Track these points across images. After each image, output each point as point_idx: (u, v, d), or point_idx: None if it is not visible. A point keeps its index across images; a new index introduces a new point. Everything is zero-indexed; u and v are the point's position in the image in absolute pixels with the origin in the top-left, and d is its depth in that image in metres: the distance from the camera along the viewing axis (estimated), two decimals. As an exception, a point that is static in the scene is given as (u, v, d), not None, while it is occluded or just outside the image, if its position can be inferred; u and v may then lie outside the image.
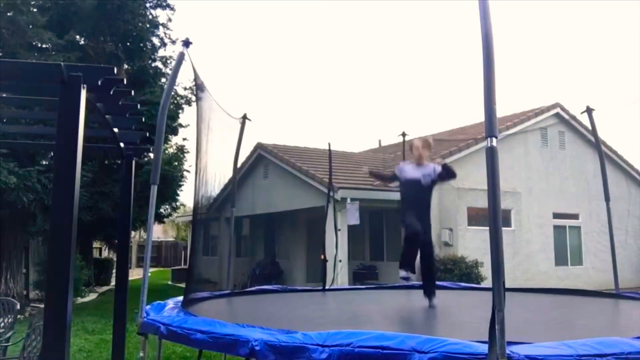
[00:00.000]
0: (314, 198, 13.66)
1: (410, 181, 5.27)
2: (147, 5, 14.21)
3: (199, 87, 5.27)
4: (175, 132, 14.65)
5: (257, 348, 3.00)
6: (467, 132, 17.10)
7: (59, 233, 2.65)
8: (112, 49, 13.21)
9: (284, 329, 3.15)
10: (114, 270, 10.07)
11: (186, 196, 20.60)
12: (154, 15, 14.46)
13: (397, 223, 14.24)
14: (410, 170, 5.33)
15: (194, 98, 13.35)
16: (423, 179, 5.22)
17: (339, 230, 10.98)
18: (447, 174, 5.34)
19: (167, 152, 14.58)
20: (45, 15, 11.86)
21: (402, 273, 5.19)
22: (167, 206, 16.81)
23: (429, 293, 5.20)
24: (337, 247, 9.46)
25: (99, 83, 2.96)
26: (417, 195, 5.28)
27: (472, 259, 12.90)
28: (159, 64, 14.83)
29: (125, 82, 3.75)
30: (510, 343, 2.47)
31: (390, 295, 6.90)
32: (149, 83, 13.81)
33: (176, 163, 14.72)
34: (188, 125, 14.89)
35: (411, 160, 5.44)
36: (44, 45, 12.08)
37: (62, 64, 2.74)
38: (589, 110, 7.08)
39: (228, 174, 8.01)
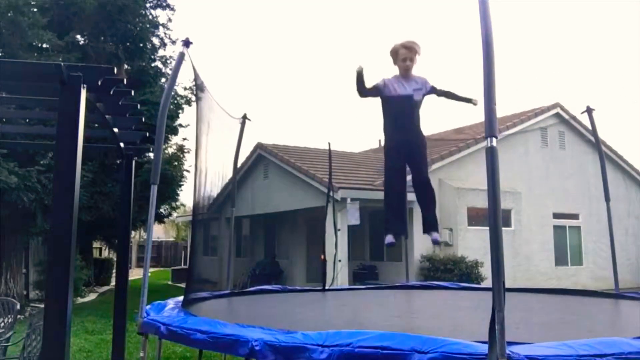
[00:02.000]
0: (314, 198, 13.66)
1: (400, 98, 4.26)
2: (147, 5, 14.20)
3: (199, 87, 5.27)
4: (175, 132, 14.65)
5: (256, 348, 3.00)
6: (467, 132, 17.11)
7: (59, 233, 2.65)
8: (112, 49, 13.20)
9: (284, 329, 3.15)
10: (114, 270, 10.08)
11: (186, 196, 20.63)
12: (154, 16, 14.46)
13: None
14: (397, 85, 4.30)
15: (194, 98, 13.34)
16: (415, 95, 4.28)
17: (339, 230, 10.99)
18: (444, 94, 4.46)
19: (167, 152, 14.58)
20: (46, 16, 11.86)
21: (389, 238, 4.28)
22: (167, 206, 16.80)
23: (430, 226, 4.42)
24: (336, 247, 9.46)
25: (99, 83, 2.96)
26: (408, 117, 4.31)
27: (472, 259, 12.90)
28: (159, 64, 14.83)
29: (125, 82, 3.75)
30: (510, 343, 2.47)
31: (390, 295, 6.89)
32: (149, 83, 13.81)
33: (176, 163, 14.71)
34: (188, 125, 14.91)
35: (398, 74, 4.35)
36: (44, 46, 12.07)
37: (62, 64, 2.74)
38: (589, 110, 7.07)
39: (228, 174, 8.00)
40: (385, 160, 4.41)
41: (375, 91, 4.35)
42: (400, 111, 4.30)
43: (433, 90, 4.38)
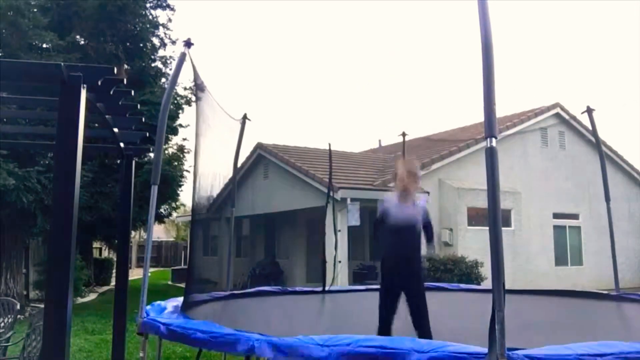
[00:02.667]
0: (314, 198, 13.66)
1: (399, 223, 4.09)
2: (147, 5, 14.21)
3: (199, 87, 5.27)
4: (175, 132, 14.65)
5: (256, 346, 3.00)
6: (467, 132, 17.11)
7: (59, 233, 2.65)
8: (112, 49, 13.21)
9: (284, 329, 3.15)
10: (114, 270, 10.07)
11: (186, 196, 20.60)
12: (154, 16, 14.47)
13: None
14: (396, 208, 4.17)
15: (194, 98, 13.34)
16: (414, 219, 4.13)
17: (339, 230, 10.99)
18: (428, 231, 4.28)
19: (167, 152, 14.58)
20: (47, 16, 11.86)
21: None
22: (167, 206, 16.81)
23: None
24: (336, 248, 9.46)
25: (99, 83, 2.96)
26: (409, 240, 4.10)
27: (472, 259, 12.89)
28: (159, 64, 14.84)
29: (125, 82, 3.75)
30: (510, 349, 2.47)
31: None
32: (149, 83, 13.81)
33: (176, 163, 14.71)
34: (188, 125, 14.90)
35: (396, 192, 4.27)
36: (44, 46, 12.08)
37: (62, 64, 2.74)
38: (589, 110, 7.08)
39: (228, 174, 8.01)
40: (380, 285, 4.30)
41: (381, 219, 4.26)
42: (399, 232, 4.11)
43: (424, 215, 4.24)
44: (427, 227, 4.27)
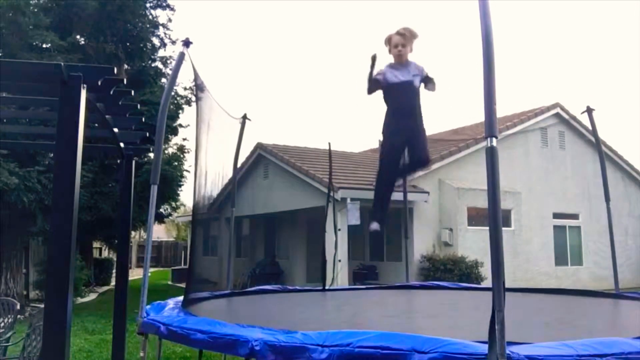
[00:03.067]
0: (314, 198, 13.66)
1: (401, 85, 4.20)
2: (147, 5, 14.21)
3: (199, 87, 5.27)
4: (175, 132, 14.66)
5: (257, 348, 3.00)
6: (467, 132, 17.11)
7: (59, 233, 2.65)
8: (112, 49, 13.21)
9: (284, 329, 3.15)
10: (114, 270, 10.08)
11: (186, 196, 20.61)
12: (154, 16, 14.48)
13: (397, 223, 14.24)
14: (396, 72, 4.26)
15: (194, 98, 13.32)
16: (414, 80, 4.24)
17: (339, 230, 10.98)
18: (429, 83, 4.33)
19: (167, 152, 14.58)
20: (48, 17, 11.86)
21: (374, 225, 4.32)
22: (167, 206, 16.81)
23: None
24: (336, 247, 9.46)
25: (99, 83, 2.96)
26: (410, 103, 4.25)
27: (472, 259, 12.90)
28: (159, 64, 14.86)
29: (125, 82, 3.75)
30: (510, 343, 2.47)
31: (390, 295, 6.89)
32: (149, 83, 13.82)
33: (176, 163, 14.71)
34: (188, 125, 14.92)
35: (393, 62, 4.30)
36: (45, 46, 12.08)
37: (62, 64, 2.74)
38: (589, 110, 7.08)
39: (228, 174, 8.00)
40: (383, 146, 4.40)
41: (377, 84, 4.29)
42: (402, 97, 4.25)
43: (426, 78, 4.32)
44: (427, 80, 4.30)
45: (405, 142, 4.27)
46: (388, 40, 4.27)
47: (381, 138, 4.61)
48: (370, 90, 4.30)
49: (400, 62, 4.26)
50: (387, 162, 4.33)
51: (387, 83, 4.28)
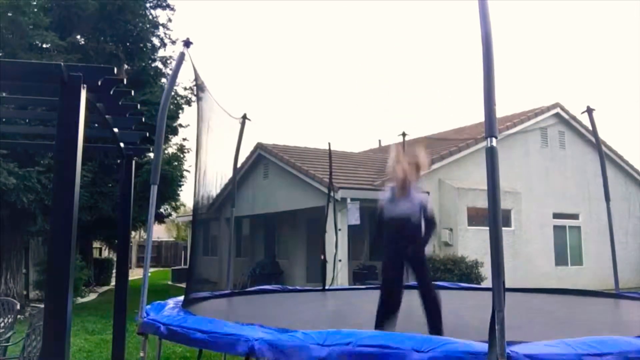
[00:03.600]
0: (314, 198, 13.66)
1: (397, 218, 3.93)
2: (147, 5, 14.21)
3: (199, 87, 5.28)
4: (175, 132, 14.65)
5: (256, 347, 3.00)
6: (467, 132, 17.11)
7: (59, 233, 2.65)
8: (112, 49, 13.21)
9: (284, 329, 3.15)
10: (114, 270, 10.07)
11: (186, 196, 20.62)
12: (154, 16, 14.47)
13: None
14: (393, 202, 4.00)
15: (194, 98, 13.35)
16: (412, 215, 3.93)
17: (339, 230, 10.99)
18: (429, 225, 4.04)
19: (167, 152, 14.58)
20: (48, 17, 11.86)
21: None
22: (167, 206, 16.81)
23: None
24: (337, 247, 9.46)
25: (99, 83, 2.96)
26: (407, 234, 3.94)
27: (472, 259, 12.90)
28: (159, 64, 14.84)
29: (125, 82, 3.75)
30: (510, 343, 2.47)
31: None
32: (149, 83, 13.81)
33: (176, 163, 14.71)
34: (188, 125, 14.91)
35: (393, 184, 4.04)
36: (44, 46, 12.08)
37: (62, 64, 2.74)
38: (589, 110, 7.09)
39: (228, 174, 8.02)
40: (382, 271, 4.14)
41: (381, 217, 4.08)
42: (397, 229, 3.97)
43: (424, 211, 4.02)
44: (427, 223, 4.02)
45: (402, 270, 4.02)
46: (391, 170, 4.03)
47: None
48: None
49: (403, 191, 3.99)
50: (387, 289, 4.09)
51: (384, 216, 4.06)
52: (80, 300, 13.62)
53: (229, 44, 72.34)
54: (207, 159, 5.40)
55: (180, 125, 14.78)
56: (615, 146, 17.90)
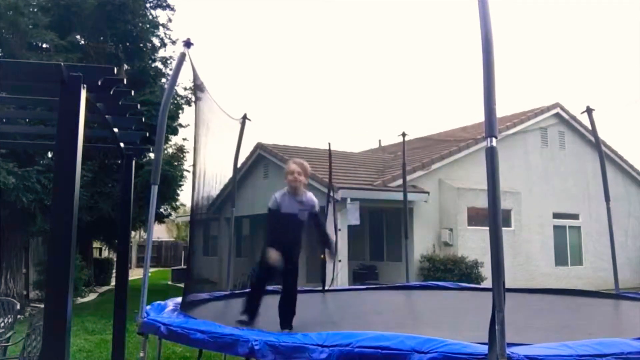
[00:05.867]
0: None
1: (289, 215, 4.34)
2: (147, 5, 14.21)
3: (198, 88, 5.27)
4: (175, 132, 14.64)
5: (256, 347, 3.00)
6: (467, 132, 17.10)
7: (59, 233, 2.65)
8: (112, 49, 13.20)
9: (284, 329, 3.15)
10: (114, 270, 10.07)
11: (186, 196, 20.62)
12: (154, 16, 14.46)
13: (397, 223, 14.25)
14: (288, 202, 4.38)
15: (194, 98, 13.31)
16: (300, 213, 4.35)
17: (339, 230, 10.98)
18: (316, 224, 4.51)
19: (167, 152, 14.57)
20: (47, 16, 11.85)
21: (244, 317, 4.04)
22: (167, 206, 16.80)
23: (287, 322, 4.16)
24: (336, 247, 9.44)
25: (99, 83, 2.96)
26: (293, 232, 4.40)
27: (472, 259, 12.90)
28: (159, 64, 14.83)
29: (125, 82, 3.75)
30: (510, 344, 2.47)
31: (390, 295, 6.90)
32: (149, 83, 13.80)
33: (176, 163, 14.70)
34: (188, 125, 14.88)
35: (287, 188, 4.40)
36: (44, 46, 12.08)
37: (62, 64, 2.74)
38: (589, 110, 7.09)
39: (228, 174, 8.02)
40: (260, 267, 4.42)
41: (276, 213, 4.41)
42: (287, 226, 4.37)
43: (314, 215, 4.44)
44: (317, 221, 4.50)
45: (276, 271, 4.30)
46: (285, 172, 4.40)
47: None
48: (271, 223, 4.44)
49: (294, 192, 4.35)
50: (259, 281, 4.44)
51: (278, 212, 4.38)
52: (80, 300, 13.62)
53: (229, 44, 72.36)
54: (207, 159, 5.40)
55: (180, 125, 14.77)
56: (615, 146, 17.92)
